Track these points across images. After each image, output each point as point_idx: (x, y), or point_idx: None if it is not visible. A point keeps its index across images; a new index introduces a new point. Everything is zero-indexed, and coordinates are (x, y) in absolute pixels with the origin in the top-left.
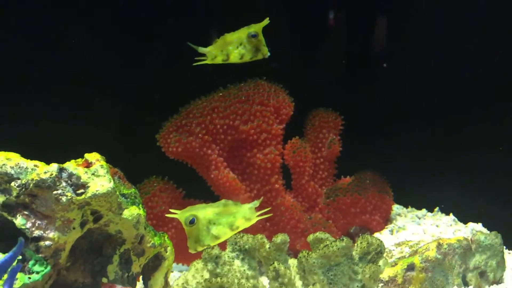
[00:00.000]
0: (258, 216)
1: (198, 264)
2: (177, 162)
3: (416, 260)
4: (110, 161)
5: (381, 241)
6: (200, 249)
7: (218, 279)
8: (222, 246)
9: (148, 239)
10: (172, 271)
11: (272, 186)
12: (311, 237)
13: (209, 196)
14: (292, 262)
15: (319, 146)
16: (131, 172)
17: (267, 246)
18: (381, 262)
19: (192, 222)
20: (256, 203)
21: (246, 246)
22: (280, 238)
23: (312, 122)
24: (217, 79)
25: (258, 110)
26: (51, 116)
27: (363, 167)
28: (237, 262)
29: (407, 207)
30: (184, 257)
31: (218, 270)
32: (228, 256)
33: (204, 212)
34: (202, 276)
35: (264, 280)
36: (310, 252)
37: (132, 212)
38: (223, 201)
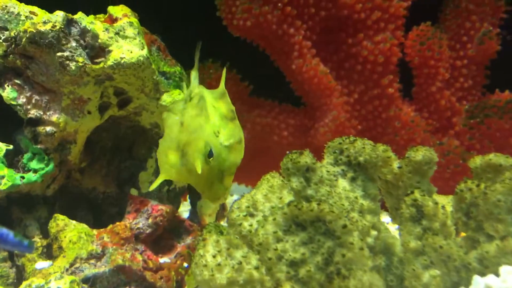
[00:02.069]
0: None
1: (273, 178)
2: (243, 42)
3: None
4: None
5: None
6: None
7: (314, 205)
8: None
9: None
10: (231, 194)
11: (383, 90)
12: (477, 161)
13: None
14: (439, 199)
15: (464, 40)
16: (176, 49)
17: (395, 164)
18: None
19: (211, 154)
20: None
21: (360, 158)
22: (421, 153)
23: (455, 1)
24: None
25: None
26: None
27: None
28: (343, 183)
29: None
30: (250, 176)
31: (309, 192)
32: (328, 171)
33: (208, 133)
34: (280, 198)
35: (385, 219)
36: (488, 184)
37: (175, 98)
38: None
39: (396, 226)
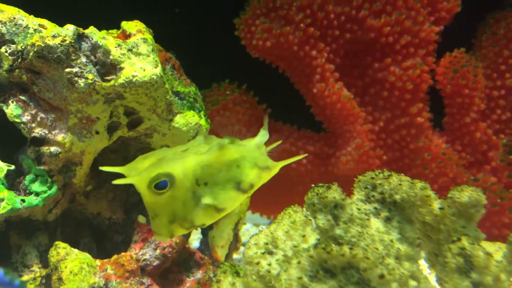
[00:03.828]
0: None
1: (296, 213)
2: (263, 65)
3: None
4: (163, 44)
5: None
6: (180, 232)
7: (346, 249)
8: None
9: None
10: (245, 223)
11: (412, 119)
12: None
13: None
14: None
15: (501, 69)
16: (193, 71)
17: (436, 204)
18: None
19: (162, 186)
20: (265, 132)
21: (397, 197)
22: (467, 194)
23: (493, 28)
24: None
25: None
26: None
27: None
28: (376, 224)
29: None
30: (264, 205)
31: (338, 232)
32: (358, 209)
33: (184, 165)
34: (303, 236)
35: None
36: None
37: (189, 119)
38: (213, 138)
39: (429, 271)
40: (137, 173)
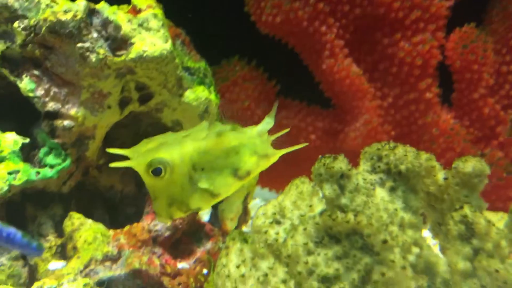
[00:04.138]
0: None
1: (303, 184)
2: (271, 40)
3: None
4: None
5: None
6: (178, 215)
7: (350, 216)
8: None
9: None
10: (254, 198)
11: (421, 94)
12: None
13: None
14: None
15: (511, 45)
16: (203, 47)
17: (441, 174)
18: None
19: (159, 173)
20: (270, 120)
21: (402, 167)
22: (471, 164)
23: (503, 3)
24: None
25: None
26: None
27: None
28: (381, 193)
29: None
30: (273, 180)
31: (344, 201)
32: (364, 179)
33: (181, 150)
34: (310, 206)
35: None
36: None
37: (199, 94)
38: (216, 124)
39: (434, 241)
40: (137, 156)
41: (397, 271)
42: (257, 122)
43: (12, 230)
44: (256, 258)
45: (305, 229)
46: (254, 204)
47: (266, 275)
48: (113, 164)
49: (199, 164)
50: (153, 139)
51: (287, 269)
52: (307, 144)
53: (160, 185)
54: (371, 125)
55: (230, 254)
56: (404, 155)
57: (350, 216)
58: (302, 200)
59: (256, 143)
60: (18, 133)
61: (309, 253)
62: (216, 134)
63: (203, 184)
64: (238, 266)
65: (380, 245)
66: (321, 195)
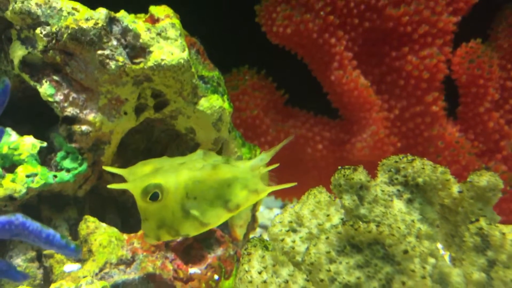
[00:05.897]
0: (273, 185)
1: (320, 194)
2: (281, 50)
3: None
4: (185, 29)
5: None
6: (166, 238)
7: (372, 226)
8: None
9: (233, 148)
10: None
11: (427, 107)
12: None
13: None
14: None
15: None
16: (213, 56)
17: (455, 187)
18: None
19: (154, 197)
20: (265, 157)
21: (419, 180)
22: (485, 178)
23: (509, 19)
24: None
25: None
26: None
27: None
28: (399, 205)
29: None
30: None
31: (362, 211)
32: (382, 191)
33: (177, 178)
34: (327, 215)
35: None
36: None
37: (213, 103)
38: (211, 155)
39: (443, 252)
40: (133, 179)
41: (417, 280)
42: (265, 130)
43: (51, 231)
44: (277, 265)
45: (327, 237)
46: (260, 212)
47: (286, 281)
48: (111, 186)
49: (193, 193)
50: (149, 162)
51: (307, 276)
52: (295, 184)
53: (152, 209)
54: (378, 136)
55: (252, 261)
56: (422, 168)
57: (372, 226)
58: (320, 209)
59: (248, 178)
60: (35, 136)
61: (331, 261)
62: (211, 166)
63: (195, 213)
64: (260, 272)
65: (401, 255)
66: (339, 205)
